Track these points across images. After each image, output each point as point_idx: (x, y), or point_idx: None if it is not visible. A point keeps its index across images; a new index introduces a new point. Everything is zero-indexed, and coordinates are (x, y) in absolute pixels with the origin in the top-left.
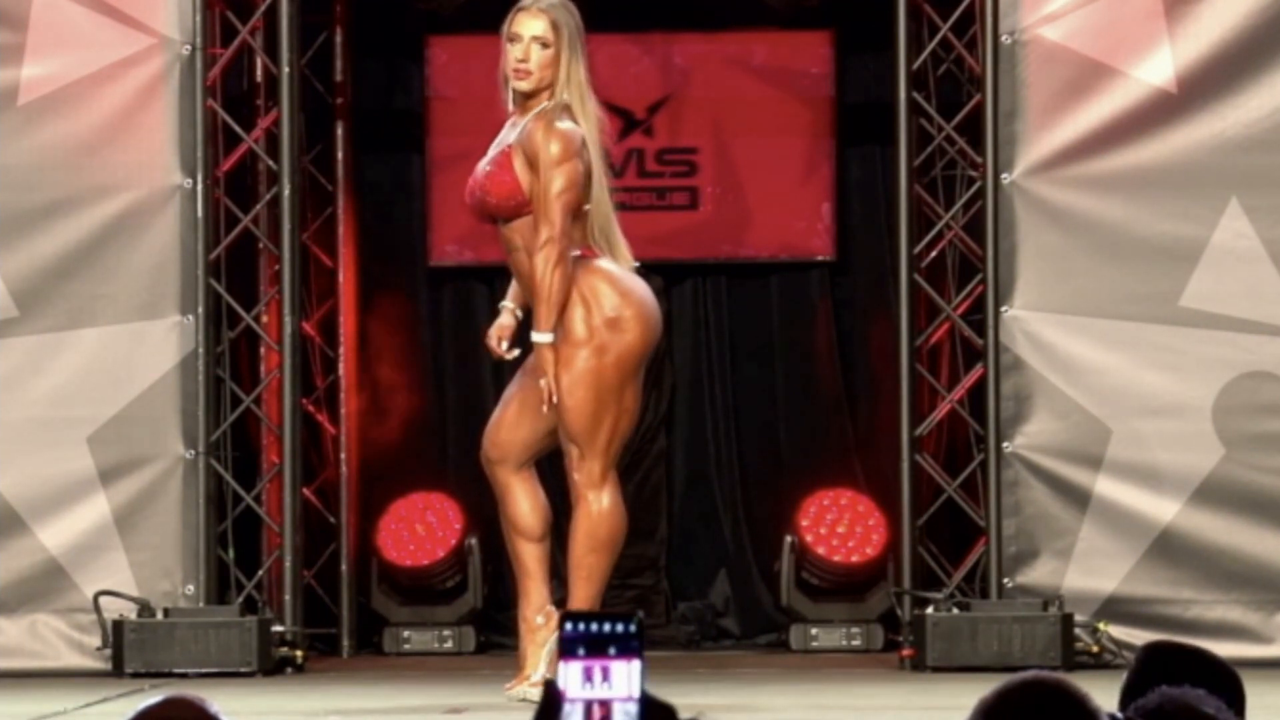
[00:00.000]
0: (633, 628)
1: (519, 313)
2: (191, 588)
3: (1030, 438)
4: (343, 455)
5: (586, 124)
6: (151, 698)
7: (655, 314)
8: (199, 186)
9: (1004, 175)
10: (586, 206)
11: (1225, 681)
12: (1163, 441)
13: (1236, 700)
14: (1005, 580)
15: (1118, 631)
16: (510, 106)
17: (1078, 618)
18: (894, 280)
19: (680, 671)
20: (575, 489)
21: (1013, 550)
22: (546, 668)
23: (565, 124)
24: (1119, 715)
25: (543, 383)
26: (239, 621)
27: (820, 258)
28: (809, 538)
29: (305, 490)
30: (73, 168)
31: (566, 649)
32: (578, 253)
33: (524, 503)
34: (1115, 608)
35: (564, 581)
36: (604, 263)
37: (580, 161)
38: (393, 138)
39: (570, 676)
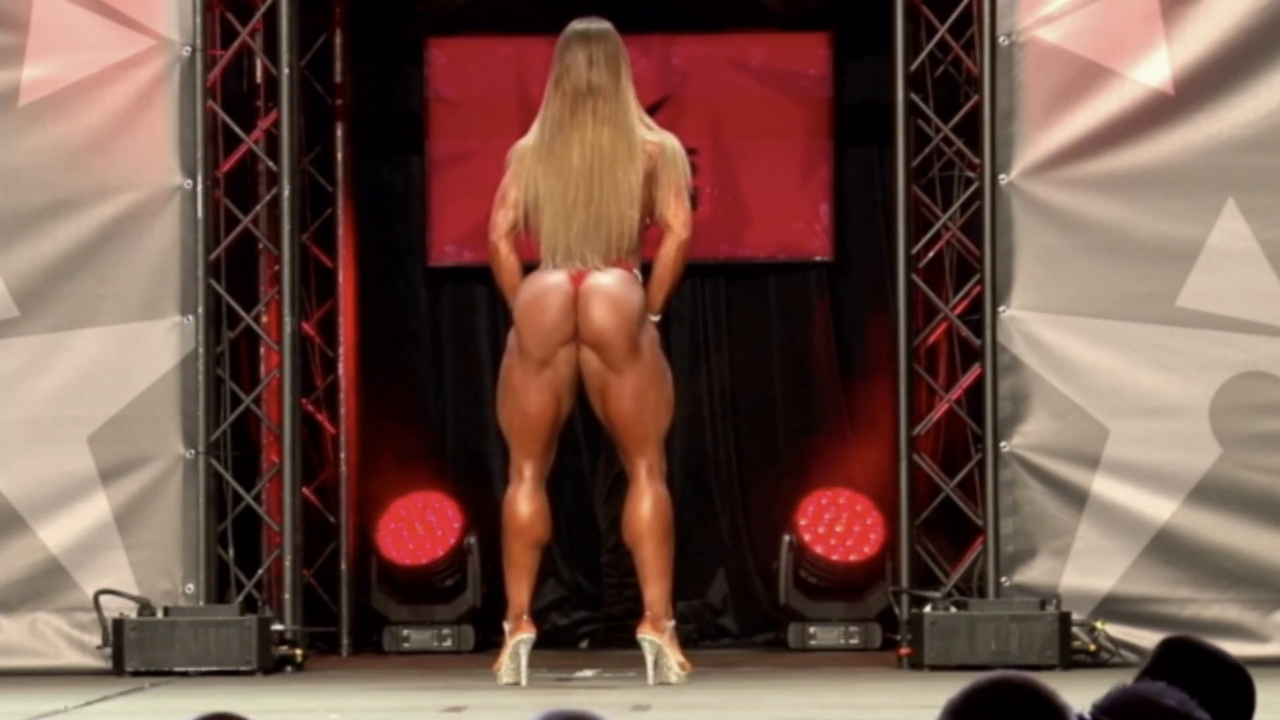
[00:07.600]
0: None
1: None
2: (191, 587)
3: (1028, 437)
4: (342, 455)
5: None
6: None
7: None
8: (199, 187)
9: (1001, 176)
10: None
11: (1237, 682)
12: (1160, 441)
13: (1245, 702)
14: (1003, 579)
15: (1115, 630)
16: None
17: (1075, 616)
18: (892, 280)
19: None
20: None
21: (1010, 549)
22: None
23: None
24: (1085, 714)
25: None
26: (239, 620)
27: (818, 258)
28: (807, 537)
29: (305, 490)
30: (73, 169)
31: None
32: None
33: None
34: (1112, 607)
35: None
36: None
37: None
38: (392, 139)
39: None
